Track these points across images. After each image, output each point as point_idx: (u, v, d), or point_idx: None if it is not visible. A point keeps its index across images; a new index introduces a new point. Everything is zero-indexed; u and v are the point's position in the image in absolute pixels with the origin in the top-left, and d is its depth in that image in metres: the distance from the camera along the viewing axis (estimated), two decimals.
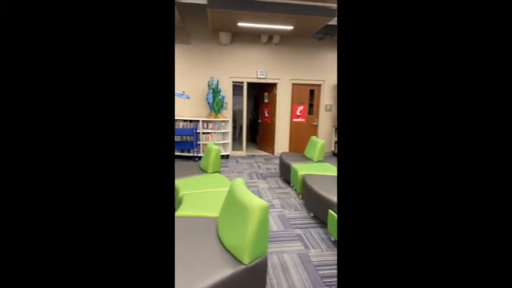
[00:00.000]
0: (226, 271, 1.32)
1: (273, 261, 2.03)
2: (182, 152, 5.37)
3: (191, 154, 5.29)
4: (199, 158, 5.24)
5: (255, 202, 1.43)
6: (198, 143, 5.30)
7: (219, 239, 1.62)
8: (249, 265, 1.39)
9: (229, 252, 1.48)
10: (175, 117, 5.31)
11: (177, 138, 5.34)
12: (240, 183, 1.76)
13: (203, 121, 5.31)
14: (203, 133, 5.35)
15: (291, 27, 4.50)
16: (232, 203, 1.62)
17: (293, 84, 5.86)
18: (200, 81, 5.48)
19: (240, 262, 1.39)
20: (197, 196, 2.39)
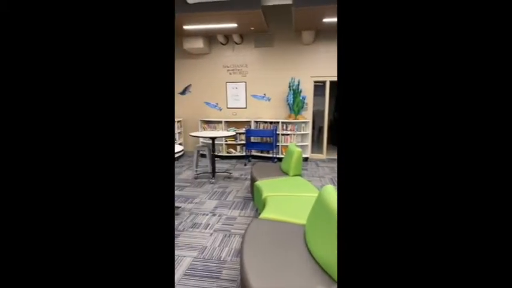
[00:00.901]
0: None
1: None
2: (262, 152, 5.50)
3: (270, 155, 5.36)
4: (278, 159, 5.25)
5: None
6: (278, 144, 5.32)
7: (308, 249, 1.49)
8: None
9: (320, 266, 1.34)
10: (256, 119, 5.49)
11: (257, 139, 5.50)
12: (331, 190, 1.59)
13: (282, 122, 5.30)
14: (282, 134, 5.34)
15: None
16: (323, 212, 1.47)
17: None
18: (281, 82, 5.49)
19: (335, 281, 1.23)
20: (281, 199, 2.33)
